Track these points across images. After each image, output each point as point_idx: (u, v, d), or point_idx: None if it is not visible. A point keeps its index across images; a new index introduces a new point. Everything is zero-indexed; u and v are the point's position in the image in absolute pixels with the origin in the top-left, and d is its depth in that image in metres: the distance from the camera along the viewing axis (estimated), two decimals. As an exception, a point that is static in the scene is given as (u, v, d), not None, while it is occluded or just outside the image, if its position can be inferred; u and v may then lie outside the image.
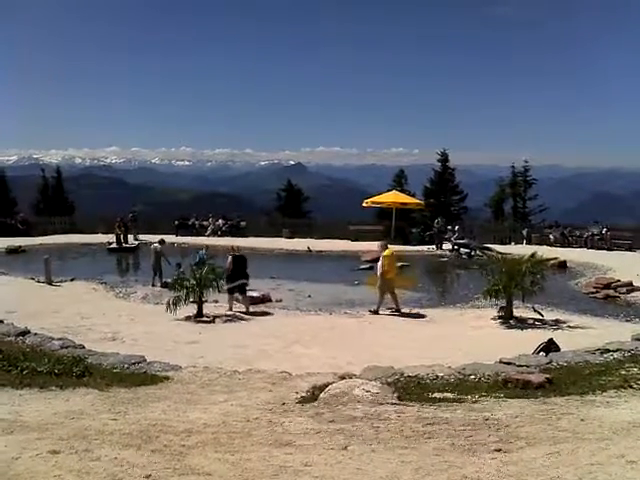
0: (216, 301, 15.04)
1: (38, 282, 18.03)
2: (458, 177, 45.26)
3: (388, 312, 14.48)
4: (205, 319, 13.60)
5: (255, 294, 15.85)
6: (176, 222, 33.28)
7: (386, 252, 14.89)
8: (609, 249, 27.90)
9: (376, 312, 14.32)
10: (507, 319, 13.32)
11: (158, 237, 21.26)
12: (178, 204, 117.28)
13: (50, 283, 17.98)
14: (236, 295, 14.90)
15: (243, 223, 34.21)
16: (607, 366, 8.34)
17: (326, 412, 5.61)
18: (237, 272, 14.98)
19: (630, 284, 17.23)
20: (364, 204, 33.76)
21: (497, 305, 13.87)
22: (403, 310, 14.59)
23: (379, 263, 14.85)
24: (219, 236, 32.17)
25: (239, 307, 14.93)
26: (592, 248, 28.14)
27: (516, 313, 13.55)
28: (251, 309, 14.60)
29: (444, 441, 4.57)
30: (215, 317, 13.79)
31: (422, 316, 14.25)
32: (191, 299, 13.91)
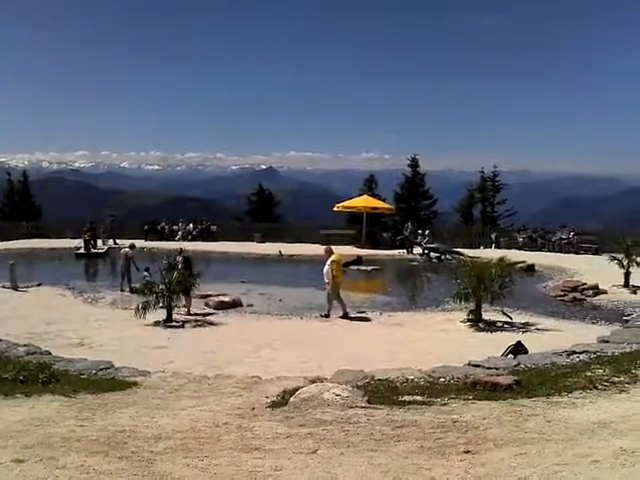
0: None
1: (3, 287, 17.68)
2: (428, 182, 45.67)
3: (336, 316, 14.45)
4: (174, 324, 13.48)
5: (226, 298, 15.78)
6: (146, 227, 33.00)
7: (333, 257, 14.97)
8: (576, 253, 28.40)
9: (327, 316, 14.38)
10: (476, 322, 13.43)
11: (128, 242, 21.02)
12: (148, 208, 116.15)
13: (16, 289, 17.65)
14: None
15: (214, 227, 34.08)
16: (573, 368, 8.46)
17: (296, 416, 5.59)
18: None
19: (596, 287, 17.54)
20: (335, 209, 33.88)
21: (466, 308, 13.97)
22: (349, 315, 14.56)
23: (326, 268, 14.82)
24: (189, 241, 31.98)
25: (208, 310, 14.85)
26: (560, 252, 28.61)
27: (485, 316, 13.67)
28: (220, 313, 14.53)
29: (413, 444, 4.59)
30: (185, 322, 13.68)
31: (367, 319, 14.28)
32: (160, 304, 13.78)
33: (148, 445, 4.55)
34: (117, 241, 29.82)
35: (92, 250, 27.49)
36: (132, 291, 16.91)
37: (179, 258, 16.56)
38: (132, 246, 19.23)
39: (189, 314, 14.41)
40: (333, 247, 16.03)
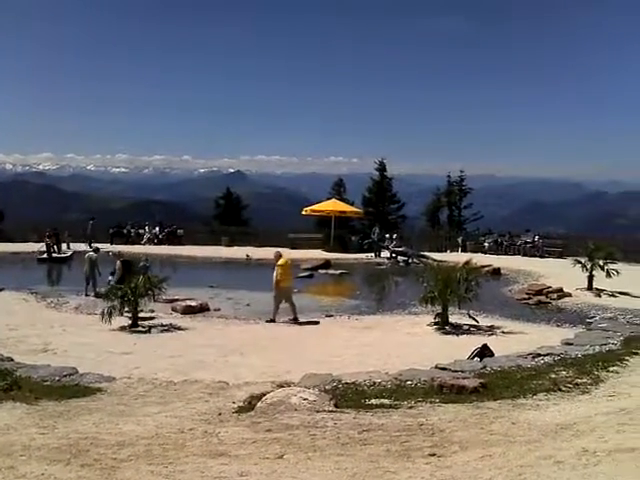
0: (152, 311, 14.74)
1: (-37, 293, 17.27)
2: (396, 186, 46.03)
3: (287, 320, 14.40)
4: (141, 329, 13.30)
5: (193, 303, 15.64)
6: (111, 230, 32.56)
7: (280, 261, 14.96)
8: (541, 256, 28.81)
9: (272, 320, 14.31)
10: (443, 325, 13.53)
11: (89, 247, 20.69)
12: (114, 212, 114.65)
13: (-23, 294, 17.25)
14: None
15: (180, 231, 33.77)
16: (538, 370, 8.61)
17: (263, 421, 5.56)
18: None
19: (560, 290, 17.82)
20: (303, 212, 33.90)
21: (433, 312, 14.07)
22: (302, 320, 14.51)
23: (274, 272, 14.83)
24: (155, 244, 31.66)
25: (175, 316, 14.71)
26: (525, 255, 29.01)
27: (452, 319, 13.78)
28: (187, 318, 14.41)
29: (379, 447, 4.60)
30: (151, 327, 13.50)
31: (316, 322, 14.28)
32: (126, 309, 13.59)
33: (111, 452, 4.48)
34: (94, 244, 29.43)
35: (55, 254, 26.98)
36: (97, 296, 16.66)
37: (117, 263, 16.84)
38: (96, 250, 18.95)
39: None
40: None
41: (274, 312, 14.47)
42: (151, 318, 14.29)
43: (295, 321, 14.34)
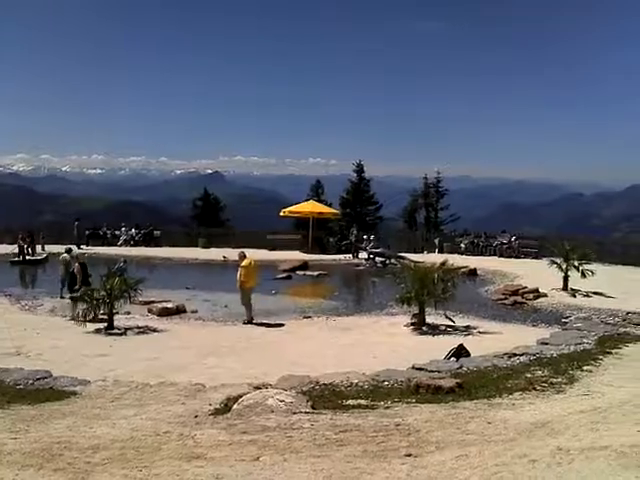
0: (128, 313, 14.62)
1: None
2: (373, 188, 46.13)
3: (242, 322, 14.39)
4: (116, 331, 13.17)
5: (169, 305, 15.54)
6: (87, 232, 32.23)
7: (244, 262, 14.94)
8: (517, 257, 29.08)
9: (250, 321, 14.32)
10: (420, 326, 13.60)
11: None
12: (90, 213, 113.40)
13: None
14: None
15: (157, 232, 33.53)
16: (514, 370, 8.68)
17: (239, 423, 5.53)
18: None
19: (536, 290, 18.00)
20: (281, 214, 33.86)
21: (410, 312, 14.13)
22: (265, 321, 14.47)
23: (238, 273, 14.82)
24: (132, 246, 31.41)
25: (151, 317, 14.60)
26: (501, 256, 29.25)
27: (428, 320, 13.85)
28: (163, 320, 14.31)
29: (356, 448, 4.60)
30: (127, 329, 13.36)
31: (281, 325, 14.20)
32: (102, 311, 13.46)
33: (85, 456, 4.42)
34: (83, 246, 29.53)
35: (29, 257, 26.62)
36: (72, 298, 16.46)
37: (76, 266, 16.90)
38: (69, 250, 18.68)
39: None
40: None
41: (248, 313, 14.44)
42: (127, 320, 14.16)
43: (250, 323, 14.27)
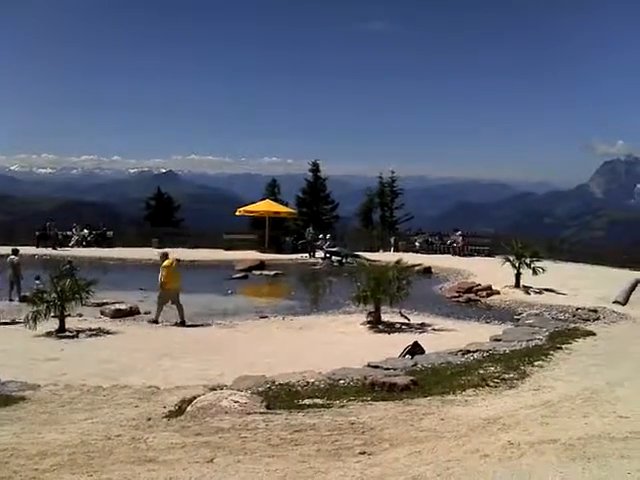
0: (80, 315, 14.33)
1: None
2: (329, 187, 46.23)
3: (173, 323, 14.24)
4: (68, 334, 12.87)
5: (122, 306, 15.28)
6: (37, 232, 31.44)
7: (165, 262, 14.87)
8: (470, 255, 29.49)
9: (155, 321, 14.20)
10: (375, 324, 13.69)
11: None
12: (41, 214, 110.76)
13: None
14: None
15: (110, 233, 32.90)
16: (467, 366, 8.80)
17: (192, 425, 5.47)
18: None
19: (489, 288, 18.30)
20: (237, 213, 33.68)
21: (366, 310, 14.22)
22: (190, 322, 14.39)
23: (159, 274, 14.72)
24: (84, 247, 30.79)
25: (104, 319, 14.35)
26: (455, 254, 29.64)
27: (384, 318, 13.96)
28: (117, 322, 14.08)
29: (310, 447, 4.60)
30: (79, 331, 13.08)
31: (207, 325, 14.13)
32: (52, 313, 13.15)
33: (32, 463, 4.30)
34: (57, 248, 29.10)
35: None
36: (22, 300, 16.05)
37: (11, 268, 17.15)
38: (15, 251, 18.15)
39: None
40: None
41: (157, 314, 14.33)
42: (79, 322, 13.88)
43: (182, 324, 14.11)
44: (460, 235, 31.09)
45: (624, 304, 16.15)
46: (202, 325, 14.12)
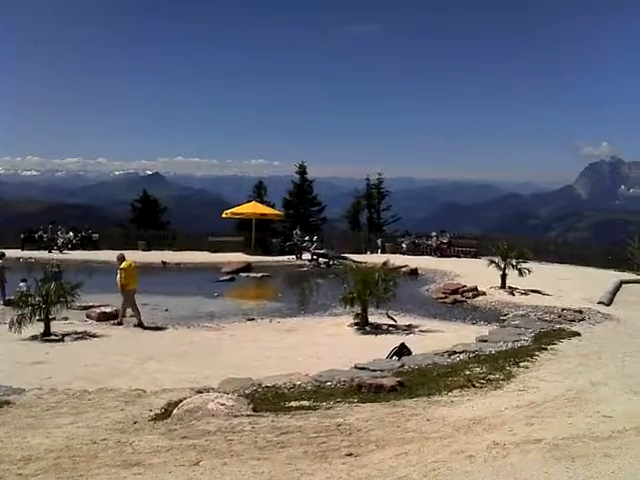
0: (66, 318, 14.22)
1: None
2: (316, 189, 46.19)
3: (132, 326, 14.21)
4: (53, 337, 12.77)
5: (108, 310, 15.18)
6: (22, 235, 31.20)
7: (123, 265, 14.85)
8: (457, 256, 29.59)
9: (120, 323, 14.31)
10: (362, 325, 13.70)
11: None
12: (26, 216, 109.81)
13: None
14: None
15: (95, 235, 32.70)
16: (453, 367, 8.83)
17: (179, 428, 5.45)
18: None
19: (475, 289, 18.35)
20: (224, 215, 33.56)
21: (353, 312, 14.23)
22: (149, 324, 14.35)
23: (118, 276, 14.74)
24: (70, 249, 30.58)
25: (89, 323, 14.26)
26: (441, 256, 29.73)
27: (371, 319, 13.97)
28: (102, 325, 14.01)
29: (297, 449, 4.60)
30: (64, 335, 12.99)
31: (163, 328, 14.02)
32: (37, 317, 13.04)
33: (17, 468, 4.28)
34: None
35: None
36: (7, 304, 15.91)
37: None
38: (1, 255, 18.02)
39: None
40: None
41: (121, 314, 14.53)
42: (65, 326, 13.78)
43: (140, 326, 14.09)
44: (435, 235, 31.22)
45: (609, 304, 16.29)
46: (210, 328, 14.04)
